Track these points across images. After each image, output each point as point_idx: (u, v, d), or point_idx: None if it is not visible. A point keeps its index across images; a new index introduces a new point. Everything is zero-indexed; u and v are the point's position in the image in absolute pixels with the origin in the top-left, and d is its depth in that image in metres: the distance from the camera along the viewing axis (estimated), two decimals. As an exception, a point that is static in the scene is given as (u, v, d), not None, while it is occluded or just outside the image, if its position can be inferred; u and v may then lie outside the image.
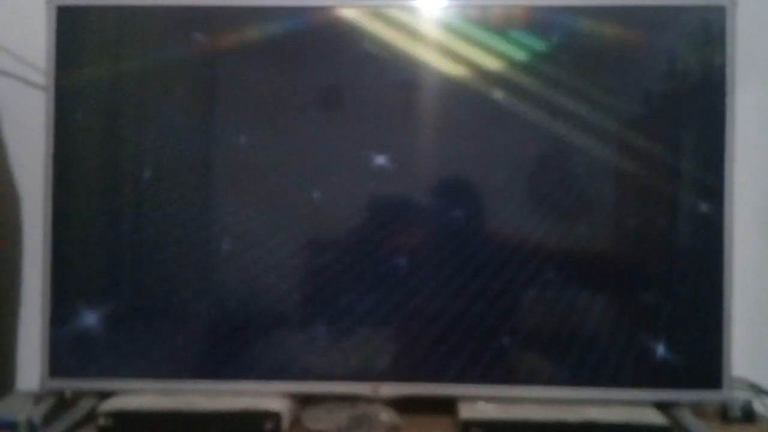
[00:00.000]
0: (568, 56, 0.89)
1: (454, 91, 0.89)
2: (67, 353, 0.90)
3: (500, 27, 0.89)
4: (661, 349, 0.88)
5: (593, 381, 0.88)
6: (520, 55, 0.89)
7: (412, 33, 0.89)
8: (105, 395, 0.88)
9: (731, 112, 0.87)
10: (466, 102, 0.89)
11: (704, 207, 0.88)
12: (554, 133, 0.89)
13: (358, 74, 0.90)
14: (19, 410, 0.86)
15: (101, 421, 0.84)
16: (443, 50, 0.89)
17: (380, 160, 0.89)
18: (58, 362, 0.89)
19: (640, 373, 0.88)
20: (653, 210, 0.89)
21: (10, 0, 1.01)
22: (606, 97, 0.88)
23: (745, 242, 0.92)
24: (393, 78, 0.89)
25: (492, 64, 0.89)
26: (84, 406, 0.88)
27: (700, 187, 0.88)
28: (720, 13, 0.87)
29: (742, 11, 0.87)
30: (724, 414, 0.88)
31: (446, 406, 0.87)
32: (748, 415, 0.88)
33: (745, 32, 0.88)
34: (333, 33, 0.90)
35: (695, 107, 0.89)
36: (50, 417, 0.86)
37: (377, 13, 0.89)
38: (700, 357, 0.87)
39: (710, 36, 0.88)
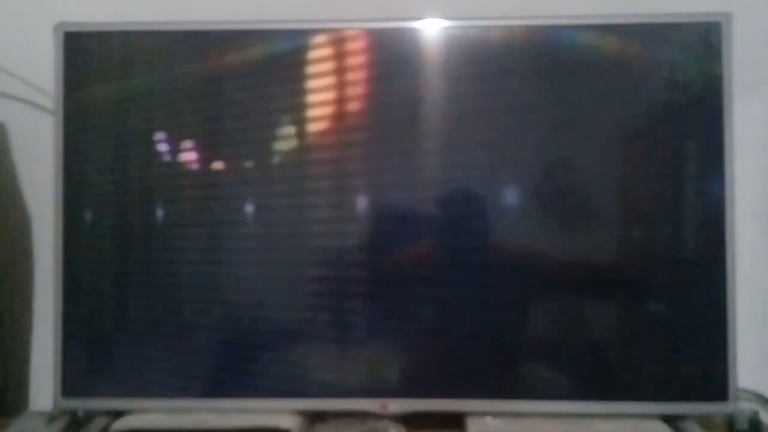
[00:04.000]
0: (570, 71, 0.89)
1: (457, 107, 0.90)
2: (79, 373, 0.91)
3: (503, 44, 0.90)
4: (667, 362, 0.88)
5: (600, 395, 0.88)
6: (522, 71, 0.90)
7: (415, 52, 0.90)
8: (117, 414, 0.89)
9: (729, 122, 0.88)
10: (471, 117, 0.90)
11: (707, 217, 0.88)
12: (557, 146, 0.90)
13: (362, 93, 0.91)
14: (32, 430, 0.87)
15: (114, 440, 0.85)
16: (445, 68, 0.90)
17: (386, 174, 0.90)
18: (71, 382, 0.90)
19: (647, 386, 0.88)
20: (656, 221, 0.89)
21: (19, 26, 1.03)
22: (608, 110, 0.89)
23: (748, 252, 0.92)
24: (397, 96, 0.90)
25: (495, 79, 0.90)
26: (97, 425, 0.89)
27: (702, 198, 0.89)
28: (716, 28, 0.88)
29: (737, 26, 0.88)
30: (731, 426, 0.88)
31: (454, 422, 0.88)
32: (756, 427, 0.88)
33: (741, 46, 0.89)
34: (336, 54, 0.91)
35: (695, 118, 0.89)
36: (64, 437, 0.87)
37: (379, 33, 0.90)
38: (706, 369, 0.88)
39: (708, 50, 0.88)
